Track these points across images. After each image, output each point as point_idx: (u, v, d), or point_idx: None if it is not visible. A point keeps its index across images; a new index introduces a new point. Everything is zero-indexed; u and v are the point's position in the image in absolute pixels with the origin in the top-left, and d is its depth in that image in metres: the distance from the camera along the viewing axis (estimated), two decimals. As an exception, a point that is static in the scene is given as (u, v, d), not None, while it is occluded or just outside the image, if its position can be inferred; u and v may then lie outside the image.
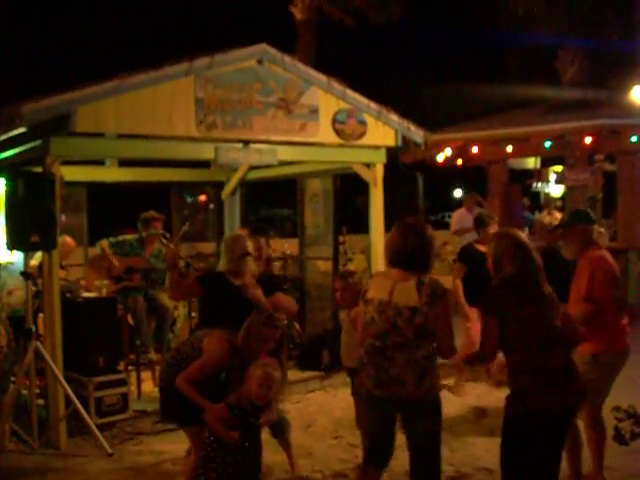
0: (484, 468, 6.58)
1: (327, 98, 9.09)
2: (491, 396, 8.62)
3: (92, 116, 7.42)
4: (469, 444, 7.22)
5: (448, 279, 9.68)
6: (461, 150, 16.16)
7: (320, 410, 8.59)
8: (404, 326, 4.76)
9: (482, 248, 9.05)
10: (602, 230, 6.92)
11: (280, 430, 6.44)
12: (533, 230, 14.64)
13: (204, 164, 11.73)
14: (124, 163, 11.11)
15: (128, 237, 9.80)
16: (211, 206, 13.08)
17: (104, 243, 9.67)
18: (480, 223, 9.09)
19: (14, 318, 8.06)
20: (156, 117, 7.83)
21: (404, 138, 9.89)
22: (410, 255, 4.92)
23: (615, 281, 6.00)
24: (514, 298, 4.88)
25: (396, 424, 5.07)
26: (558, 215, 8.51)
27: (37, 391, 7.63)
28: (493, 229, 8.98)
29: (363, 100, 9.38)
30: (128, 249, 9.63)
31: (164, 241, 9.47)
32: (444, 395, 8.61)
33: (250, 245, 6.78)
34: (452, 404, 8.46)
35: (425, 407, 4.86)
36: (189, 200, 13.28)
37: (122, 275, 9.44)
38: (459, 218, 14.63)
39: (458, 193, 60.42)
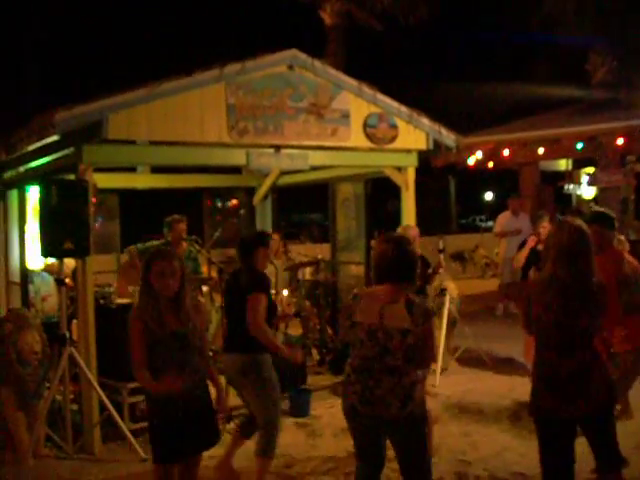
0: (519, 473, 6.53)
1: (358, 102, 9.08)
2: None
3: (124, 123, 7.46)
4: (504, 448, 7.18)
5: (480, 282, 9.65)
6: (492, 153, 16.08)
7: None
8: (395, 349, 4.71)
9: (532, 243, 9.14)
10: (622, 237, 6.93)
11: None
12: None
13: (235, 170, 11.78)
14: (156, 169, 11.16)
15: (155, 242, 9.84)
16: (242, 212, 13.12)
17: (132, 250, 9.72)
18: (533, 222, 9.42)
19: (48, 324, 8.10)
20: (188, 123, 7.85)
21: (435, 141, 9.87)
22: (396, 268, 4.88)
23: (625, 285, 5.97)
24: (547, 299, 4.83)
25: (383, 440, 5.03)
26: None
27: (71, 397, 7.68)
28: (542, 227, 9.10)
29: (394, 104, 9.36)
30: None
31: (197, 247, 9.53)
32: (477, 399, 8.64)
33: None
34: (486, 407, 8.43)
35: (409, 427, 4.83)
36: (221, 206, 13.34)
37: None
38: (503, 221, 14.62)
39: (489, 196, 60.33)
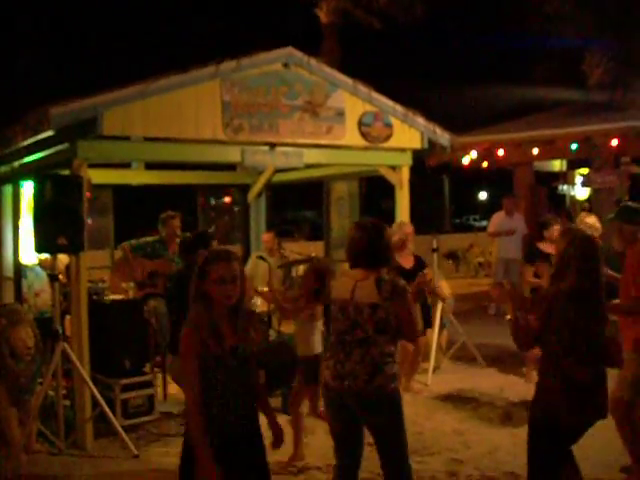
0: (511, 472, 6.53)
1: (353, 101, 9.09)
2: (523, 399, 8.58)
3: (119, 119, 7.46)
4: (496, 448, 7.18)
5: (473, 282, 9.65)
6: (487, 153, 16.07)
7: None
8: (364, 322, 4.84)
9: (548, 249, 9.01)
10: None
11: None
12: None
13: (230, 167, 11.78)
14: (150, 166, 11.15)
15: (149, 239, 9.83)
16: (236, 209, 13.12)
17: (126, 246, 9.70)
18: (543, 225, 9.37)
19: (41, 319, 8.09)
20: (183, 120, 7.85)
21: (430, 141, 9.88)
22: (367, 253, 5.00)
23: None
24: (565, 312, 4.80)
25: (359, 429, 5.06)
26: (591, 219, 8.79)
27: (64, 392, 7.67)
28: (555, 231, 9.05)
29: (389, 103, 9.37)
30: (150, 251, 9.62)
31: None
32: (470, 397, 8.65)
33: None
34: (478, 406, 8.45)
35: (377, 402, 4.87)
36: (215, 203, 13.34)
37: (145, 280, 9.44)
38: (497, 221, 14.62)
39: (483, 196, 60.44)
